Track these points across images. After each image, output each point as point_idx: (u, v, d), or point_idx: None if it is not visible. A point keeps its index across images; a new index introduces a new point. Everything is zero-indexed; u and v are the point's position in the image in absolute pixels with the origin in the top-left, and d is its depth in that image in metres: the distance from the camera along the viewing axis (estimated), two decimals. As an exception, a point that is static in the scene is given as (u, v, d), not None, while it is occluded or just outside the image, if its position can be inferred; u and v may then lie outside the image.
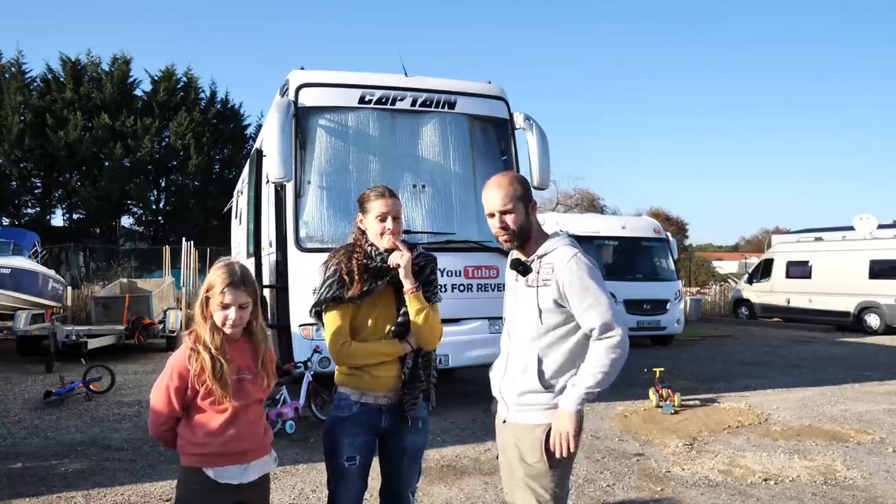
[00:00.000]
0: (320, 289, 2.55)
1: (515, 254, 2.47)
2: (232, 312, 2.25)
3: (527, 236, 2.40)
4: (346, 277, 2.52)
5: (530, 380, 2.33)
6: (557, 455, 2.25)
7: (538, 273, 2.35)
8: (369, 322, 2.57)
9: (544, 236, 2.43)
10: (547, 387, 2.32)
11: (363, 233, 2.64)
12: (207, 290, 2.27)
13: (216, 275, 2.27)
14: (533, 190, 2.53)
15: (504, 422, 2.45)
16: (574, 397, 2.24)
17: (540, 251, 2.38)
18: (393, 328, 2.59)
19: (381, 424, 2.58)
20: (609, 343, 2.23)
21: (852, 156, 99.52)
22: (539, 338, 2.34)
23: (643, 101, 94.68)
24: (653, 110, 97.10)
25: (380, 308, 2.59)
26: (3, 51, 30.24)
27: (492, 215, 2.39)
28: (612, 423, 6.44)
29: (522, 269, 2.40)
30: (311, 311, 2.61)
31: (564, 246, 2.37)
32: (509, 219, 2.36)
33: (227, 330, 2.28)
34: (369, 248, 2.59)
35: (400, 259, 2.54)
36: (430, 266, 2.68)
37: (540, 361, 2.33)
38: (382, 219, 2.57)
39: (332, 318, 2.54)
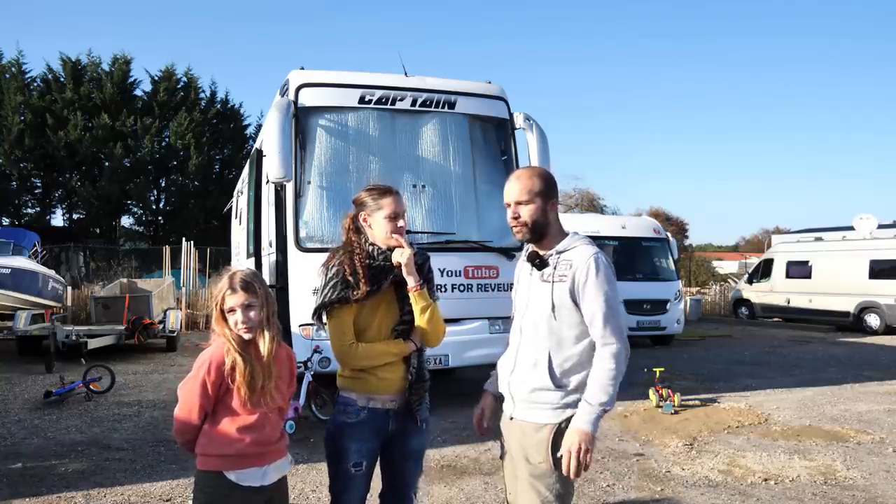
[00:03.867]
0: (324, 290, 2.51)
1: (531, 248, 2.44)
2: (239, 315, 2.28)
3: (542, 232, 2.39)
4: (350, 279, 2.48)
5: (541, 376, 2.30)
6: (565, 472, 2.22)
7: (555, 268, 2.33)
8: (374, 323, 2.53)
9: (563, 234, 2.43)
10: (558, 385, 2.29)
11: (358, 232, 2.60)
12: (216, 302, 2.32)
13: (218, 285, 2.33)
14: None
15: (511, 419, 2.41)
16: (591, 416, 2.21)
17: (559, 247, 2.37)
18: (398, 328, 2.56)
19: (389, 429, 2.55)
20: (610, 352, 2.25)
21: (852, 156, 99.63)
22: (551, 334, 2.31)
23: (643, 100, 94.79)
24: (653, 110, 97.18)
25: (383, 308, 2.56)
26: (4, 51, 30.18)
27: (508, 205, 2.41)
28: (612, 423, 6.44)
29: (539, 262, 2.37)
30: (314, 314, 2.58)
31: (585, 245, 2.37)
32: (522, 210, 2.36)
33: (243, 335, 2.30)
34: (370, 248, 2.56)
35: (401, 257, 2.51)
36: (427, 264, 2.67)
37: (551, 358, 2.30)
38: (394, 217, 2.54)
39: (336, 320, 2.50)
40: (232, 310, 2.29)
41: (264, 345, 2.31)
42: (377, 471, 2.69)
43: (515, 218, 2.38)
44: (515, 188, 2.38)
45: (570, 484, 2.34)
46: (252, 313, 2.29)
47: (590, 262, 2.28)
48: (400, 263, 2.52)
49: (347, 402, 2.54)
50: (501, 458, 2.56)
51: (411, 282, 2.52)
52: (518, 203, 2.37)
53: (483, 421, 2.59)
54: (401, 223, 2.55)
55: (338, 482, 2.55)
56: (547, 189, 2.40)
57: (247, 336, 2.30)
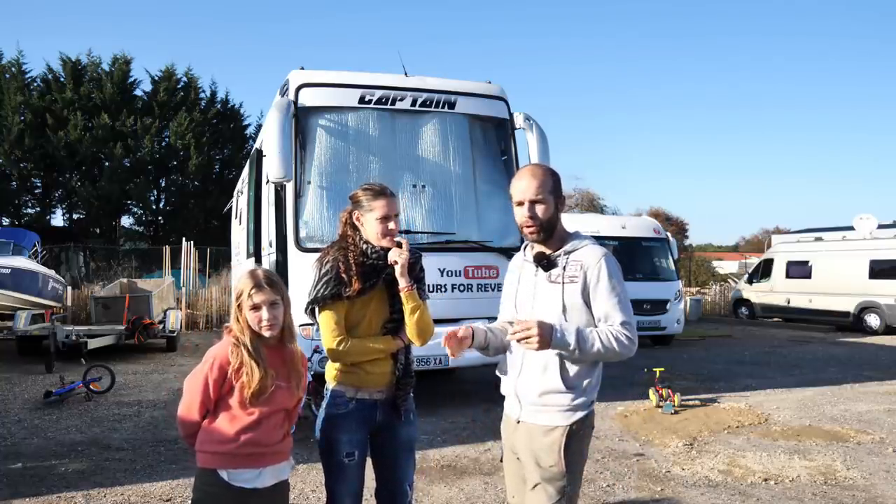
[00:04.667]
0: (317, 285, 2.54)
1: (537, 248, 2.38)
2: (264, 312, 2.27)
3: (552, 231, 2.33)
4: (344, 276, 2.52)
5: (552, 379, 2.25)
6: (513, 333, 2.14)
7: (564, 269, 2.28)
8: (364, 318, 2.58)
9: (567, 233, 2.39)
10: (569, 387, 2.25)
11: (355, 228, 2.63)
12: (238, 299, 2.32)
13: (243, 282, 2.32)
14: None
15: (518, 422, 2.36)
16: (563, 341, 2.13)
17: (567, 247, 2.32)
18: (387, 325, 2.60)
19: (377, 419, 2.59)
20: (625, 337, 2.19)
21: (852, 156, 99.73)
22: None
23: (643, 100, 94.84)
24: (653, 110, 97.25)
25: (374, 304, 2.59)
26: (4, 51, 30.19)
27: (520, 204, 2.31)
28: (612, 423, 6.44)
29: (547, 263, 2.32)
30: (307, 308, 2.60)
31: (593, 245, 2.33)
32: (539, 209, 2.29)
33: (265, 333, 2.29)
34: (365, 246, 2.58)
35: (399, 257, 2.53)
36: (419, 264, 2.68)
37: (562, 360, 2.25)
38: (386, 219, 2.57)
39: (328, 316, 2.53)
40: (257, 307, 2.27)
41: (287, 345, 2.33)
42: (373, 473, 2.69)
43: (532, 217, 2.29)
44: (531, 185, 2.29)
45: (578, 485, 2.33)
46: (278, 311, 2.30)
47: (601, 263, 2.25)
48: (395, 262, 2.54)
49: (337, 395, 2.59)
50: (501, 459, 2.54)
51: (403, 283, 2.55)
52: (533, 202, 2.29)
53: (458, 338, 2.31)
54: (392, 225, 2.57)
55: (332, 475, 2.58)
56: (557, 186, 2.35)
57: (268, 333, 2.29)
